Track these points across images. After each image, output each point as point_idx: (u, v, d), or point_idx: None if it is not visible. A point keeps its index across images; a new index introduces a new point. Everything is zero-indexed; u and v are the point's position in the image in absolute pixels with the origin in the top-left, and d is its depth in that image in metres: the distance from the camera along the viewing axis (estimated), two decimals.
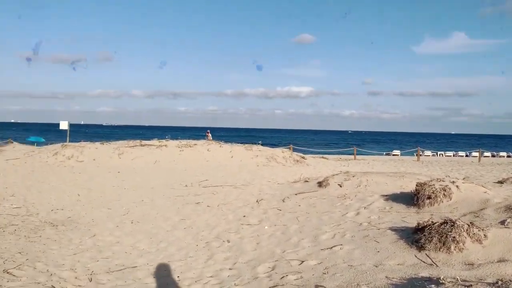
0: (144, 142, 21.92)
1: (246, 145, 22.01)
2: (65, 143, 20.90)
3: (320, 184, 10.99)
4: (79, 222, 8.81)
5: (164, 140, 23.14)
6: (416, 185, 7.85)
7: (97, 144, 20.45)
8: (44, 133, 70.15)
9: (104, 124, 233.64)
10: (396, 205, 7.85)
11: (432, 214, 6.63)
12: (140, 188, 12.88)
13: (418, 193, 7.38)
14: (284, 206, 9.22)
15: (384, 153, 44.77)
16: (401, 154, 42.84)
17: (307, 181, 12.12)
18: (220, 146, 21.26)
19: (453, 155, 43.50)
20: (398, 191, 9.42)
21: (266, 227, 7.57)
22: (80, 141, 25.58)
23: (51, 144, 23.38)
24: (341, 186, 10.35)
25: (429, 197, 7.05)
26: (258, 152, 20.67)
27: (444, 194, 6.95)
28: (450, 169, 20.83)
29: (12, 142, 25.38)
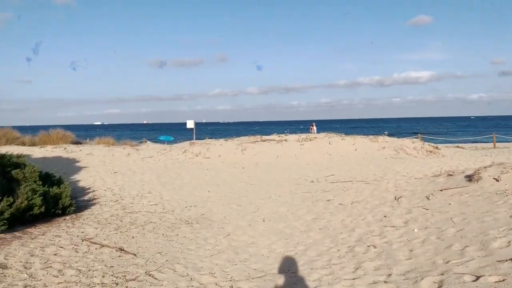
0: (264, 137, 21.95)
1: (370, 136, 20.70)
2: (192, 141, 21.89)
3: (470, 178, 9.54)
4: (212, 219, 8.78)
5: (283, 135, 22.96)
6: None
7: (221, 140, 21.00)
8: (172, 132, 75.97)
9: (221, 121, 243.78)
10: None
11: None
12: (265, 184, 12.67)
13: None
14: (431, 204, 8.09)
15: None
16: None
17: (451, 175, 10.68)
18: (342, 139, 20.30)
19: None
20: None
21: (415, 230, 6.60)
22: (205, 138, 26.74)
23: (179, 142, 24.79)
24: (497, 181, 8.81)
25: None
26: (385, 143, 19.27)
27: None
28: None
29: (146, 142, 27.54)
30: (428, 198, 8.68)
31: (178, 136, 52.16)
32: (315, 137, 21.09)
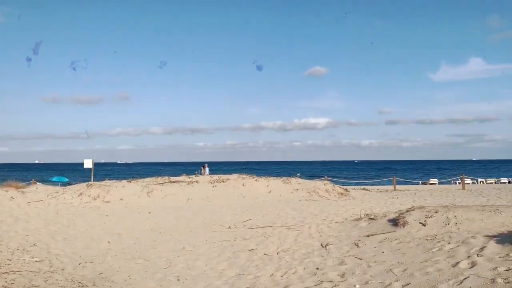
0: (173, 178, 20.46)
1: (283, 178, 20.31)
2: (90, 182, 19.57)
3: (395, 222, 9.19)
4: (113, 280, 7.19)
5: (193, 176, 21.67)
6: None
7: (124, 182, 19.04)
8: (67, 172, 69.87)
9: (118, 161, 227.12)
10: None
11: None
12: (177, 232, 11.25)
13: None
14: (362, 253, 7.43)
15: (420, 182, 42.28)
16: (439, 183, 40.41)
17: (373, 219, 10.32)
18: (256, 180, 19.61)
19: (495, 182, 40.74)
20: (503, 230, 7.58)
21: (357, 286, 5.78)
22: (104, 179, 24.33)
23: (75, 184, 22.14)
24: (424, 225, 8.53)
25: None
26: (298, 185, 18.93)
27: None
28: None
29: (35, 183, 24.25)
30: (357, 246, 8.06)
31: (74, 177, 47.82)
32: (227, 179, 20.12)
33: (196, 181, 19.55)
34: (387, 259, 6.84)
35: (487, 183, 40.75)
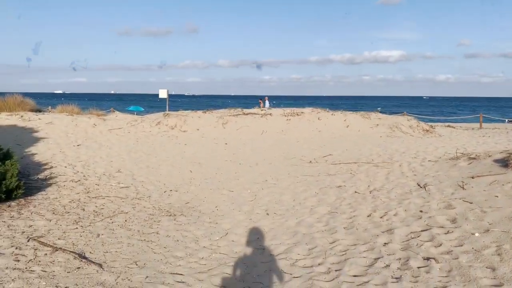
0: (246, 110, 20.10)
1: (362, 112, 19.20)
2: (166, 112, 19.78)
3: (505, 163, 8.10)
4: (200, 210, 7.02)
5: (266, 108, 21.17)
6: None
7: (199, 112, 18.99)
8: (141, 102, 72.60)
9: (186, 94, 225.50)
10: None
11: None
12: (256, 164, 10.95)
13: None
14: (471, 196, 6.57)
15: (507, 120, 38.77)
16: None
17: (474, 158, 9.25)
18: (332, 114, 18.72)
19: None
20: None
21: (476, 234, 5.04)
22: (179, 109, 24.62)
23: (151, 113, 22.61)
24: None
25: None
26: (378, 120, 17.82)
27: None
28: None
29: (114, 112, 25.13)
30: (462, 188, 7.18)
31: (149, 108, 49.45)
32: (302, 112, 19.40)
33: (270, 114, 19.04)
34: (504, 204, 5.95)
35: None
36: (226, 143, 14.32)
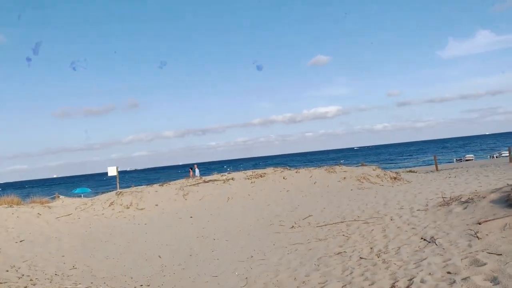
0: (207, 178, 18.97)
1: (325, 166, 18.65)
2: (119, 190, 18.16)
3: (508, 204, 7.49)
4: None
5: (226, 174, 20.16)
6: None
7: (156, 186, 17.59)
8: (88, 183, 68.95)
9: (128, 169, 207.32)
10: None
11: None
12: (233, 236, 9.72)
13: None
14: (493, 246, 5.75)
15: (455, 159, 40.21)
16: (475, 159, 38.34)
17: (467, 202, 8.63)
18: (297, 172, 18.00)
19: None
20: None
21: None
22: (131, 186, 22.98)
23: (100, 194, 20.78)
24: None
25: None
26: (344, 173, 17.27)
27: None
28: None
29: (59, 197, 22.96)
30: (477, 237, 6.39)
31: (96, 188, 46.62)
32: (264, 173, 18.56)
33: (232, 179, 18.02)
34: None
35: None
36: (191, 217, 12.99)
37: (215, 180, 18.14)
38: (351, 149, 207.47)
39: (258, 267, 7.10)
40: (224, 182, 17.39)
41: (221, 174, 20.29)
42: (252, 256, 7.80)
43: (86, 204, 16.18)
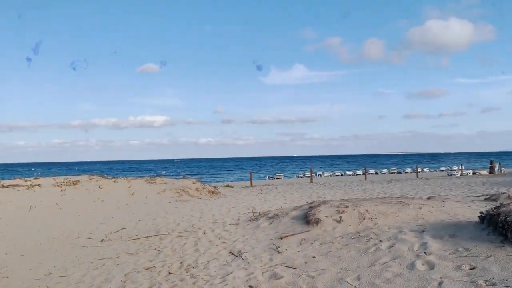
0: (6, 182, 16.53)
1: (146, 177, 18.21)
2: None
3: (306, 220, 8.43)
4: None
5: (32, 179, 17.93)
6: (493, 210, 5.89)
7: None
8: None
9: None
10: (462, 244, 5.73)
11: None
12: (29, 251, 8.59)
13: (510, 224, 5.34)
14: (290, 260, 6.40)
15: (268, 176, 44.07)
16: (284, 177, 42.68)
17: (273, 218, 9.44)
18: (114, 181, 17.11)
19: (341, 175, 44.94)
20: (421, 222, 7.44)
21: None
22: None
23: None
24: (339, 222, 7.96)
25: None
26: (164, 185, 17.15)
27: None
28: (385, 187, 20.18)
29: None
30: (278, 251, 7.00)
31: None
32: (77, 180, 17.12)
33: (38, 185, 16.11)
34: (325, 265, 5.93)
35: (324, 176, 44.66)
36: None
37: (17, 185, 15.94)
38: (171, 161, 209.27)
39: (56, 285, 6.37)
40: (28, 188, 15.40)
41: (26, 178, 17.95)
42: (50, 273, 6.99)
43: None
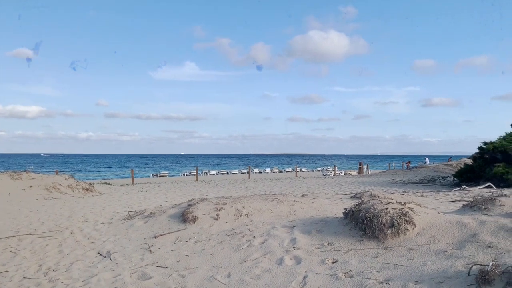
0: None
1: (11, 172, 16.27)
2: None
3: (183, 218, 8.24)
4: None
5: None
6: (355, 207, 6.33)
7: None
8: None
9: None
10: (328, 239, 6.10)
11: (411, 249, 5.17)
12: None
13: (368, 219, 5.80)
14: (162, 259, 6.17)
15: (152, 174, 42.74)
16: (169, 175, 41.84)
17: (149, 216, 9.08)
18: None
19: (227, 173, 45.23)
20: (293, 218, 7.77)
21: None
22: None
23: None
24: (216, 219, 7.93)
25: (391, 226, 5.56)
26: (32, 181, 15.51)
27: (406, 220, 5.60)
28: (261, 186, 20.65)
29: None
30: (150, 251, 6.71)
31: None
32: None
33: None
34: (197, 263, 5.83)
35: (210, 174, 44.82)
36: None
37: None
38: (38, 156, 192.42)
39: None
40: None
41: None
42: None
43: None
